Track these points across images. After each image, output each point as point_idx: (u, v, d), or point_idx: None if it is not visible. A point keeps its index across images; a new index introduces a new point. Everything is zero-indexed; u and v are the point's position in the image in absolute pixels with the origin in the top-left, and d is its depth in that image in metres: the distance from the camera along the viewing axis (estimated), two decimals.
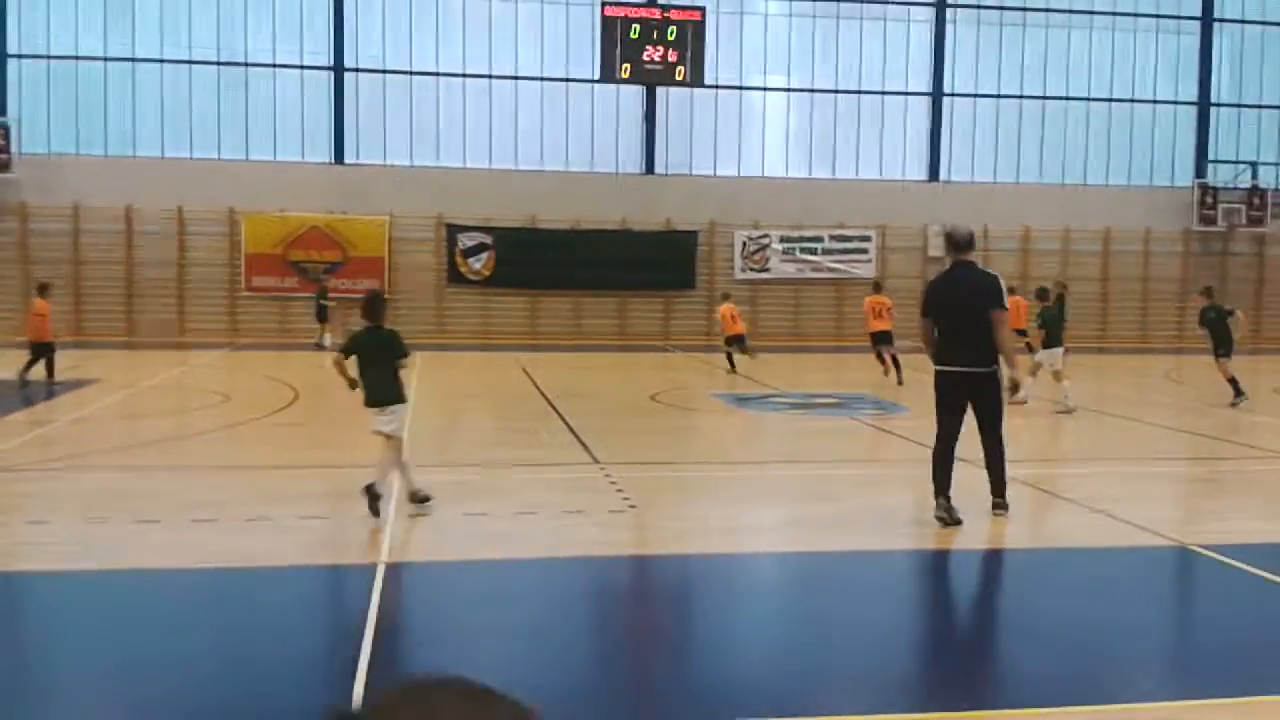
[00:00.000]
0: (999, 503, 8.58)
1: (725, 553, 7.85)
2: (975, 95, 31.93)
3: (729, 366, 21.05)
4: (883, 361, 19.34)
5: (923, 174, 31.76)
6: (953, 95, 31.81)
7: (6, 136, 26.24)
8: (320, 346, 24.42)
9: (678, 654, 5.86)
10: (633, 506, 8.92)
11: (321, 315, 25.65)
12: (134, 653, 5.65)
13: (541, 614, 6.32)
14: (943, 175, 31.75)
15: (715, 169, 30.78)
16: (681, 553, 7.73)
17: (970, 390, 8.40)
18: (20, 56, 27.20)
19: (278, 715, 4.89)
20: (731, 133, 31.01)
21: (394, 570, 7.00)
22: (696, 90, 29.56)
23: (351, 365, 8.78)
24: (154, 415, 14.93)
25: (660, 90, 29.73)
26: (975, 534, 8.24)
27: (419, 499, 8.65)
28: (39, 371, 16.96)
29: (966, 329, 8.32)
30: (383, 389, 8.59)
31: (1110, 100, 32.30)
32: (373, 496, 8.29)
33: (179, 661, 5.48)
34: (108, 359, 21.48)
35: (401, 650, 5.68)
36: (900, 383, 18.22)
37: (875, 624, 6.22)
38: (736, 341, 20.95)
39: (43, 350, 17.12)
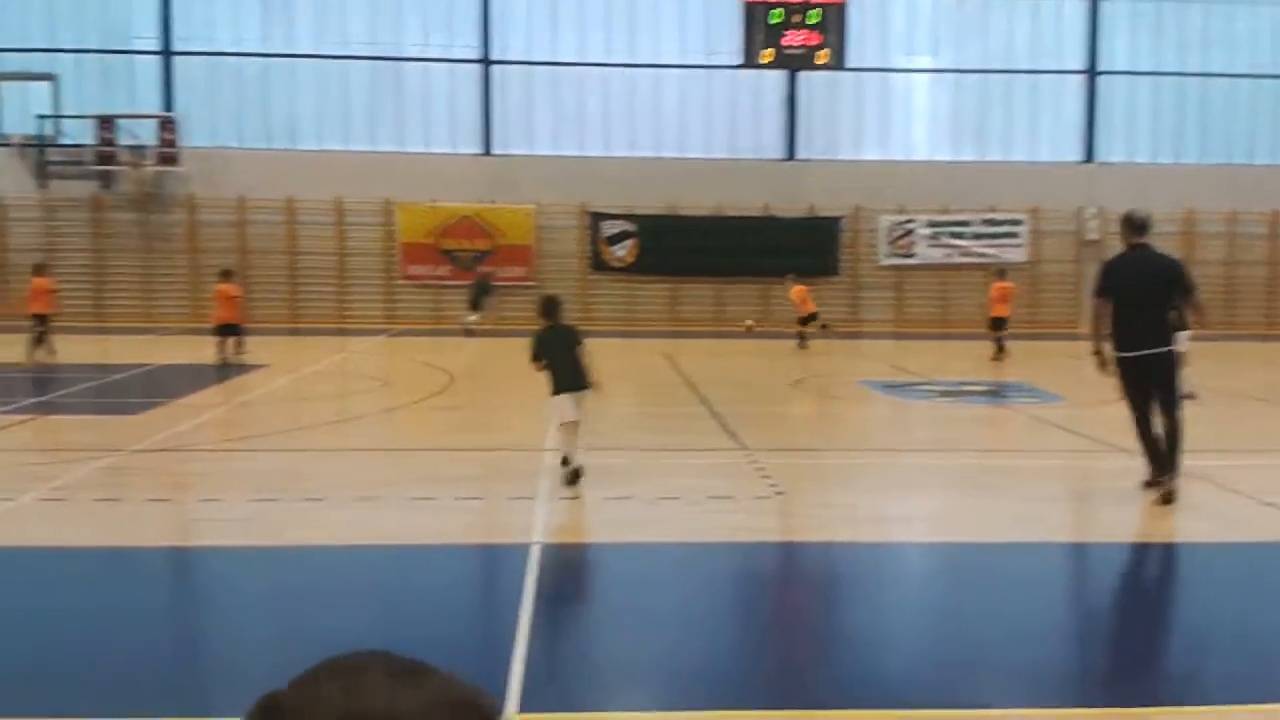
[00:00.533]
0: (1162, 482, 8.36)
1: (873, 541, 7.82)
2: (1133, 73, 30.66)
3: (800, 343, 22.55)
4: (1002, 347, 20.39)
5: (1077, 155, 30.69)
6: (1109, 73, 30.62)
7: (174, 131, 27.64)
8: (470, 332, 25.13)
9: (824, 642, 5.89)
10: (779, 493, 8.95)
11: (478, 301, 26.39)
12: (297, 626, 5.97)
13: (689, 598, 6.43)
14: (1098, 156, 30.63)
15: (859, 153, 30.36)
16: (828, 540, 7.73)
17: (1150, 372, 8.37)
18: (185, 54, 28.63)
19: None
20: (875, 115, 30.54)
21: (546, 551, 7.20)
22: (839, 73, 29.20)
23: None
24: (318, 399, 15.61)
25: (802, 74, 29.47)
26: (1138, 526, 8.01)
27: (572, 467, 9.34)
28: (210, 354, 17.90)
29: (1145, 311, 8.36)
30: (570, 378, 9.44)
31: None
32: (567, 462, 9.33)
33: (340, 635, 5.76)
34: (273, 345, 22.49)
35: (555, 629, 5.85)
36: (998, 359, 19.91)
37: (1028, 617, 6.12)
38: (811, 320, 22.59)
39: (230, 330, 18.77)
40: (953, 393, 16.08)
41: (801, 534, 8.06)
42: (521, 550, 7.14)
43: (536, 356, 9.53)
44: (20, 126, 27.36)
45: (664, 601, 6.31)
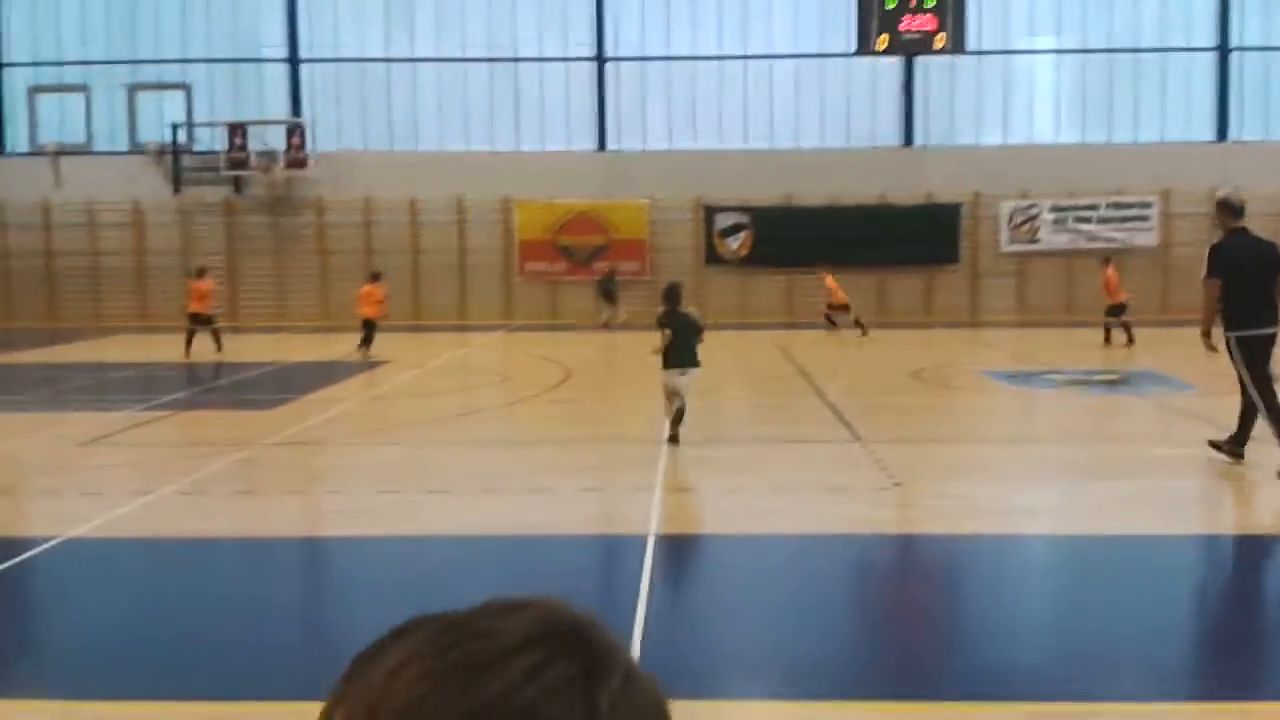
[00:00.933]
0: None
1: (996, 533, 7.68)
2: (1267, 49, 29.29)
3: (830, 326, 23.51)
4: (1128, 333, 20.10)
5: (1209, 134, 29.47)
6: (1242, 49, 29.31)
7: (303, 136, 28.57)
8: (607, 327, 25.48)
9: (943, 635, 5.83)
10: (898, 484, 8.86)
11: (609, 296, 26.72)
12: (417, 613, 6.15)
13: (806, 589, 6.43)
14: (1232, 134, 29.36)
15: (979, 138, 29.69)
16: (949, 533, 7.63)
17: (1263, 352, 8.62)
18: (311, 60, 29.55)
19: None
20: (996, 99, 29.82)
21: (663, 541, 7.27)
22: (957, 57, 28.59)
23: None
24: (440, 394, 15.99)
25: (919, 59, 28.95)
26: (1273, 517, 7.71)
27: (675, 434, 10.61)
28: (341, 350, 18.48)
29: (1262, 292, 8.62)
30: (685, 356, 10.83)
31: None
32: (676, 422, 10.61)
33: None
34: (397, 341, 23.08)
35: (672, 619, 5.92)
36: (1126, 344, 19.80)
37: (1157, 611, 5.96)
38: (843, 310, 23.69)
39: (371, 327, 19.89)
40: (1079, 382, 15.64)
41: (920, 526, 7.97)
42: (639, 541, 7.23)
43: (664, 326, 10.92)
44: (156, 135, 28.62)
45: (780, 593, 6.33)
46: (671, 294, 11.14)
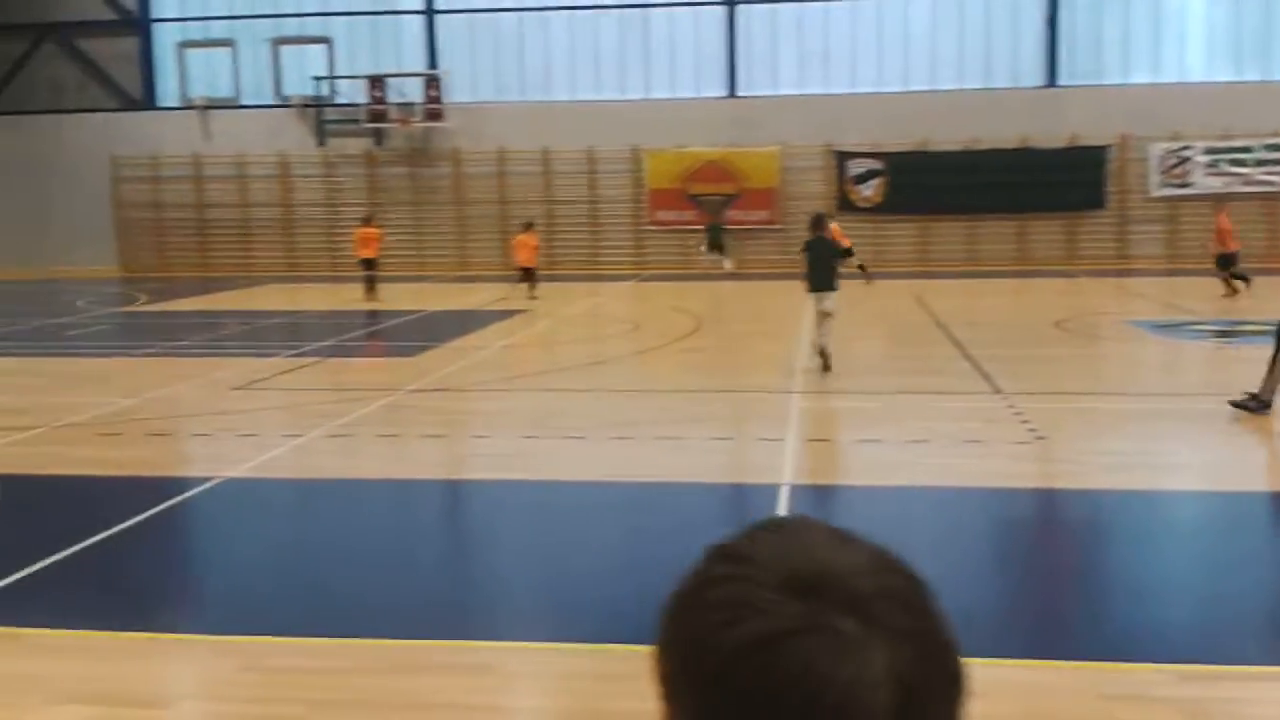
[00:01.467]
0: None
1: (1140, 489, 7.47)
2: None
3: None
4: (1231, 284, 19.32)
5: None
6: None
7: (439, 88, 29.02)
8: (724, 273, 25.48)
9: (1089, 594, 5.72)
10: (1040, 438, 8.67)
11: (718, 244, 26.64)
12: (558, 556, 6.31)
13: (944, 545, 6.37)
14: None
15: (1127, 77, 28.38)
16: (1092, 488, 7.45)
17: None
18: (447, 12, 29.90)
19: None
20: (1146, 35, 28.42)
21: (796, 491, 7.28)
22: None
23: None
24: (573, 342, 16.23)
25: None
26: None
27: (825, 359, 11.67)
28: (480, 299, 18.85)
29: None
30: (823, 279, 12.05)
31: None
32: (824, 356, 11.67)
33: (601, 567, 6.07)
34: (539, 291, 23.43)
35: None
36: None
37: None
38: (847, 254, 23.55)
39: (529, 274, 21.40)
40: (1231, 333, 14.97)
41: (1063, 481, 7.80)
42: (771, 490, 7.26)
43: (805, 250, 12.35)
44: (299, 88, 29.45)
45: (918, 547, 6.21)
46: (817, 222, 12.75)
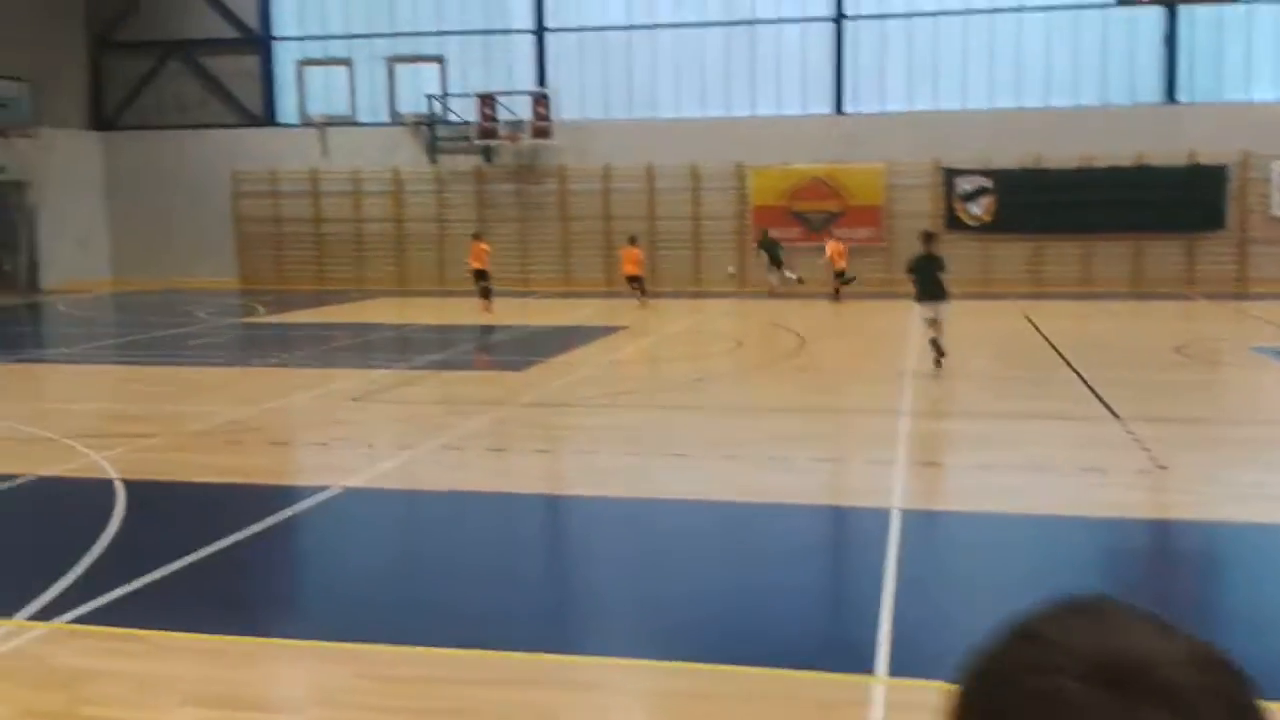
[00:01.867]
0: None
1: (1268, 522, 7.20)
2: None
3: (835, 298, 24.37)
4: None
5: None
6: None
7: (547, 105, 29.42)
8: (773, 294, 25.71)
9: (1212, 629, 5.53)
10: (1160, 467, 8.42)
11: (776, 259, 26.57)
12: (663, 574, 6.32)
13: (1063, 575, 6.22)
14: None
15: (1249, 93, 27.44)
16: (1216, 520, 7.21)
17: None
18: (557, 30, 30.33)
19: (799, 643, 5.28)
20: (1270, 50, 27.42)
21: (909, 516, 7.19)
22: (1226, 6, 26.45)
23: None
24: (676, 359, 16.27)
25: (1183, 9, 26.95)
26: None
27: (938, 351, 13.04)
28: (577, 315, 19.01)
29: None
30: (932, 290, 13.33)
31: None
32: (937, 348, 12.98)
33: (705, 588, 6.06)
34: (635, 308, 23.60)
35: (921, 596, 5.86)
36: None
37: None
38: (840, 276, 24.91)
39: (636, 281, 23.85)
40: None
41: (1184, 511, 7.56)
42: (882, 514, 7.18)
43: (910, 270, 13.78)
44: (413, 106, 30.14)
45: (1035, 576, 6.16)
46: (927, 238, 14.11)
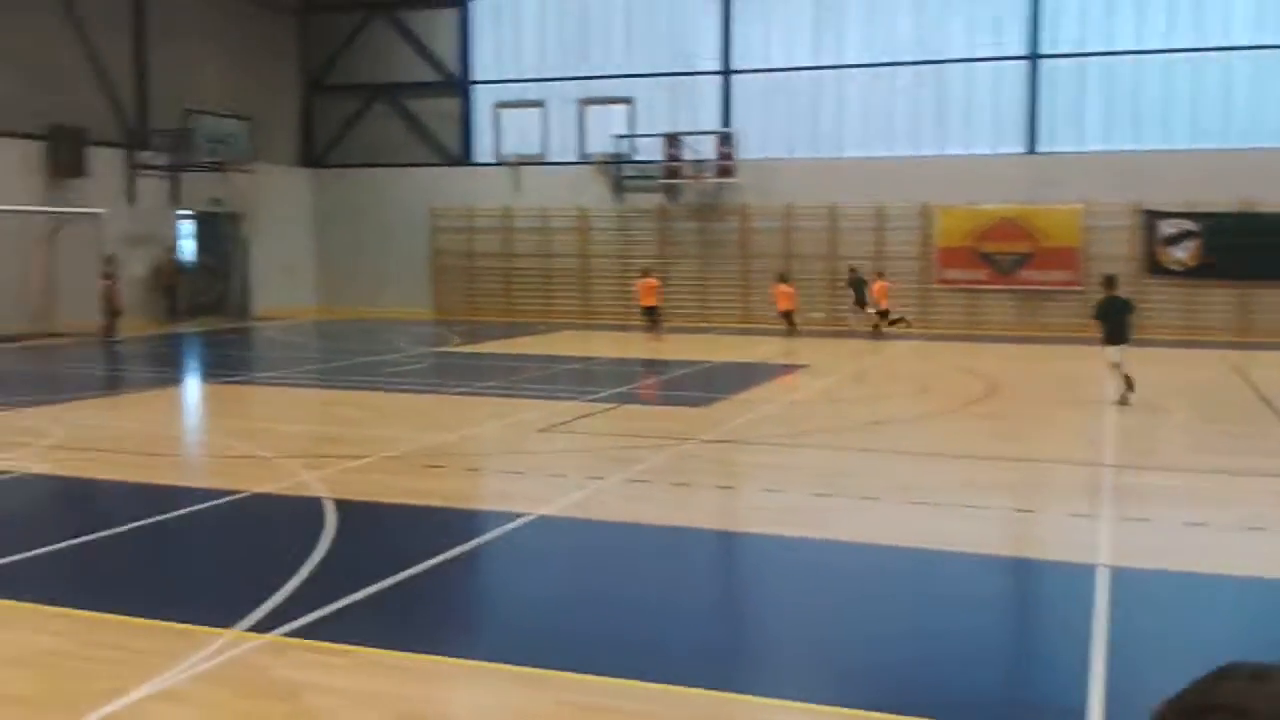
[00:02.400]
0: None
1: None
2: None
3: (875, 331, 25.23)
4: None
5: None
6: None
7: (731, 145, 29.66)
8: (885, 321, 25.84)
9: None
10: None
11: (861, 297, 26.49)
12: (850, 621, 6.23)
13: None
14: None
15: None
16: None
17: None
18: (742, 71, 30.60)
19: (998, 701, 5.12)
20: None
21: (1117, 574, 6.88)
22: None
23: None
24: (859, 400, 16.07)
25: None
26: None
27: (1128, 382, 13.72)
28: (760, 352, 19.01)
29: None
30: (1117, 333, 13.96)
31: None
32: (1127, 380, 13.72)
33: (895, 636, 5.94)
34: (816, 346, 23.44)
35: (1137, 659, 5.60)
36: None
37: None
38: (885, 315, 25.61)
39: (788, 316, 25.26)
40: None
41: None
42: (1085, 570, 6.90)
43: (1096, 316, 14.29)
44: (601, 146, 30.89)
45: (1262, 643, 5.81)
46: (1110, 281, 14.88)
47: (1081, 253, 27.63)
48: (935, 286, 28.82)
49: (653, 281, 25.76)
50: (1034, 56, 28.37)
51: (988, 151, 28.73)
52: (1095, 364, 19.57)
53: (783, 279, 26.17)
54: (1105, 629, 5.78)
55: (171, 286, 28.59)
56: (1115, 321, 13.84)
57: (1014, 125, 28.62)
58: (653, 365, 20.15)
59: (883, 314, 25.76)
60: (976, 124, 28.89)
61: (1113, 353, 13.82)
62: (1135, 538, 7.93)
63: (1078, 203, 27.58)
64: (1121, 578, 6.81)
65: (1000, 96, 28.75)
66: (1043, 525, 8.54)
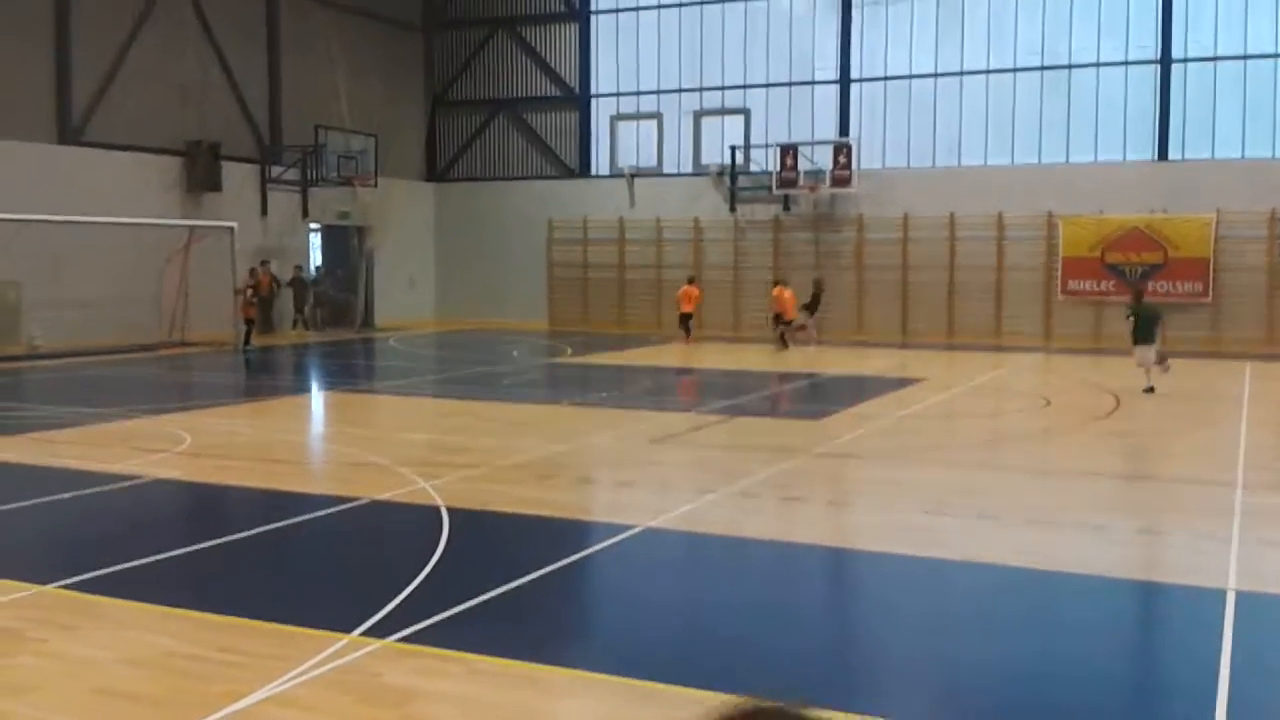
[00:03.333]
0: None
1: None
2: None
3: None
4: None
5: None
6: None
7: (849, 155, 29.34)
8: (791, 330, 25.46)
9: None
10: None
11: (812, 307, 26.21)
12: (965, 643, 6.08)
13: None
14: None
15: None
16: None
17: None
18: (861, 80, 30.26)
19: None
20: None
21: (1245, 599, 6.60)
22: None
23: None
24: (978, 415, 15.72)
25: None
26: None
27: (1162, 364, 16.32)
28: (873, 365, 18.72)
29: None
30: (1144, 335, 16.36)
31: None
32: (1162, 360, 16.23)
33: (1010, 659, 5.78)
34: (931, 359, 23.04)
35: (1264, 686, 5.37)
36: None
37: None
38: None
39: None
40: None
41: None
42: (1216, 595, 6.64)
43: (1128, 316, 16.77)
44: (715, 157, 30.90)
45: None
46: (1138, 293, 17.79)
47: (1214, 263, 26.59)
48: (1059, 298, 28.06)
49: (694, 290, 27.32)
50: (1165, 61, 27.43)
51: (1116, 159, 27.88)
52: (1228, 379, 18.84)
53: (777, 284, 25.98)
54: (1229, 656, 5.55)
55: (300, 298, 29.39)
56: (1141, 324, 16.45)
57: (1143, 132, 27.72)
58: (763, 377, 20.04)
59: (787, 323, 25.08)
60: (1105, 131, 28.07)
61: (1141, 351, 16.47)
62: (1270, 562, 7.59)
63: (1210, 211, 26.56)
64: (1251, 603, 6.52)
65: (1130, 102, 27.87)
66: (1171, 547, 8.23)
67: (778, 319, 25.26)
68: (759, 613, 6.60)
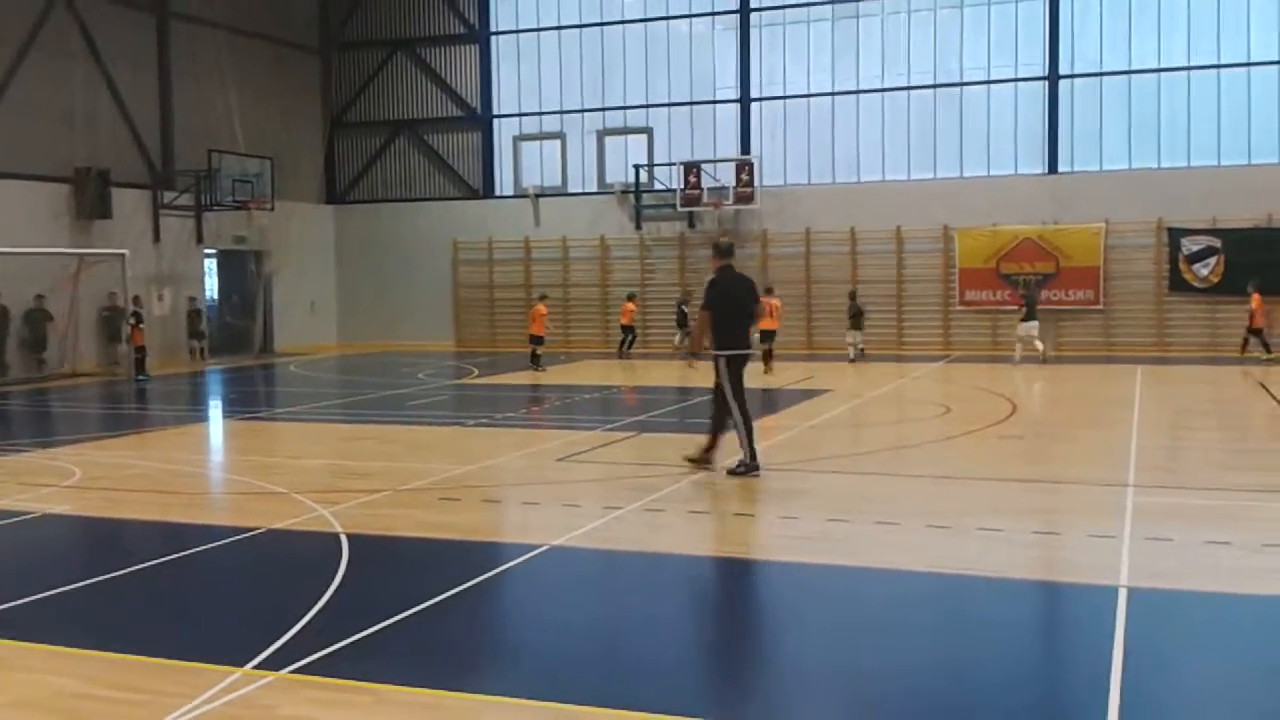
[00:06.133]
0: None
1: None
2: None
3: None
4: None
5: None
6: None
7: (751, 172, 29.71)
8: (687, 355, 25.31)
9: None
10: None
11: (682, 323, 26.87)
12: (865, 648, 6.13)
13: None
14: None
15: None
16: None
17: None
18: (761, 99, 30.68)
19: None
20: None
21: (1136, 595, 6.79)
22: None
23: None
24: (880, 424, 15.97)
25: None
26: None
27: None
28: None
29: None
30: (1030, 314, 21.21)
31: None
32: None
33: (911, 662, 5.84)
34: (835, 371, 23.35)
35: (1153, 680, 5.50)
36: None
37: None
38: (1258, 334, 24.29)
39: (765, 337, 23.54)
40: None
41: None
42: (1108, 592, 6.81)
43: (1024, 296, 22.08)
44: (620, 175, 31.03)
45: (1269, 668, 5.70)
46: (1025, 285, 20.01)
47: (1103, 271, 27.48)
48: (956, 308, 28.72)
49: (632, 305, 27.99)
50: (1053, 77, 28.33)
51: (1008, 172, 28.68)
52: (1120, 383, 19.43)
53: (769, 292, 24.80)
54: (1121, 651, 5.68)
55: (194, 325, 28.71)
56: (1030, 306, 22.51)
57: (1033, 146, 28.58)
58: (670, 393, 20.11)
59: (1256, 332, 24.41)
60: (996, 145, 28.87)
61: (1028, 327, 22.09)
62: (1159, 559, 7.80)
63: (1099, 221, 27.46)
64: (1140, 598, 6.70)
65: (1020, 118, 28.71)
66: (1066, 547, 8.42)
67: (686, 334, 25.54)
68: (666, 628, 6.58)
